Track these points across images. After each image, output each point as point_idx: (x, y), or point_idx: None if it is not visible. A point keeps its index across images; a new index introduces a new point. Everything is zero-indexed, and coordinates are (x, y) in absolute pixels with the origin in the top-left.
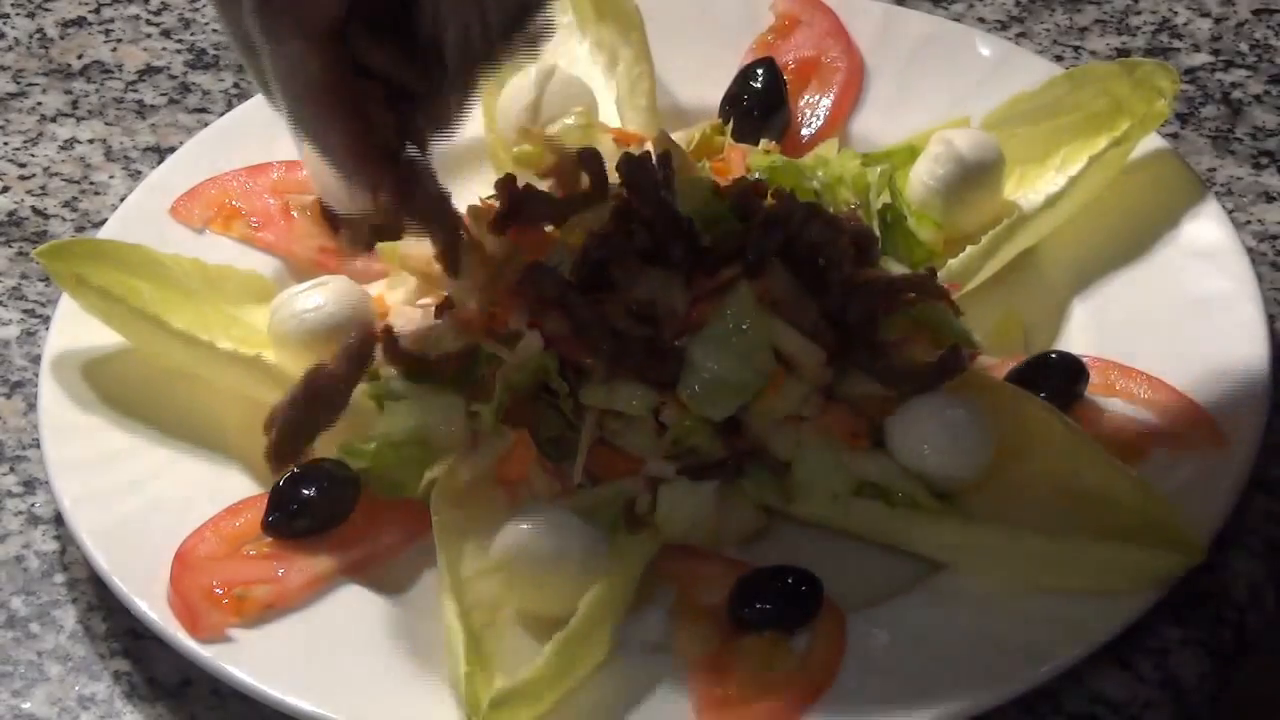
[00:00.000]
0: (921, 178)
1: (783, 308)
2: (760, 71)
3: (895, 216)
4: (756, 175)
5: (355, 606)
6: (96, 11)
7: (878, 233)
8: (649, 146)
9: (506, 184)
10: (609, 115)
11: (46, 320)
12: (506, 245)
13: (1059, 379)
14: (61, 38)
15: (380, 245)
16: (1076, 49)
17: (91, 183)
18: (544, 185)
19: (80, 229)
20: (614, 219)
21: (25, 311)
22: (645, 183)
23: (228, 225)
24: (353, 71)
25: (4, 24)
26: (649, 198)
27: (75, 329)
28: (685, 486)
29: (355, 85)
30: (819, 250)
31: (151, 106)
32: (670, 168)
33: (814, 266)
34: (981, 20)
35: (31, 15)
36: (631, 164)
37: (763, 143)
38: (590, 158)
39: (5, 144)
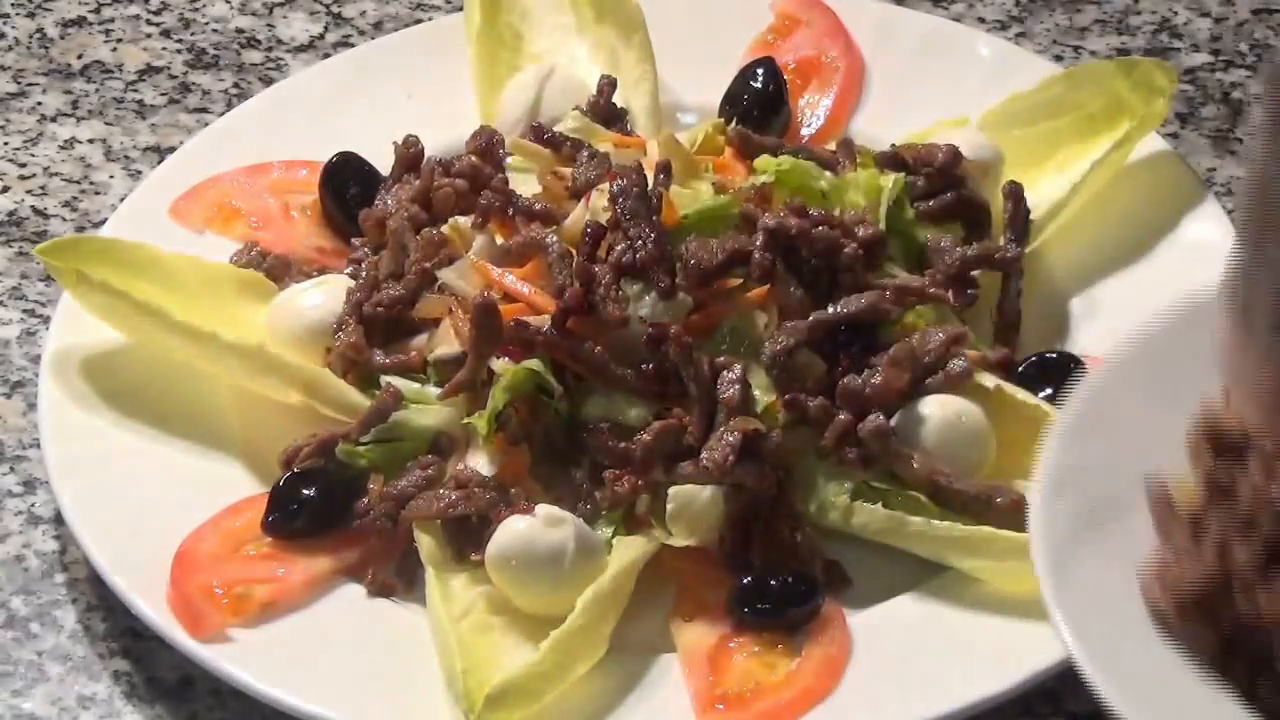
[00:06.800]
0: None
1: (788, 313)
2: (760, 71)
3: (900, 219)
4: (763, 178)
5: (355, 606)
6: (96, 11)
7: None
8: (651, 147)
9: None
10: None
11: (46, 320)
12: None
13: (1059, 379)
14: (61, 38)
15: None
16: (1076, 49)
17: (91, 183)
18: (538, 187)
19: (80, 229)
20: (590, 238)
21: (25, 311)
22: (639, 213)
23: (228, 225)
24: None
25: (4, 24)
26: (641, 225)
27: (75, 329)
28: (694, 490)
29: None
30: (824, 256)
31: (151, 106)
32: (669, 175)
33: (818, 272)
34: (981, 20)
35: (31, 15)
36: (626, 194)
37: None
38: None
39: (5, 144)
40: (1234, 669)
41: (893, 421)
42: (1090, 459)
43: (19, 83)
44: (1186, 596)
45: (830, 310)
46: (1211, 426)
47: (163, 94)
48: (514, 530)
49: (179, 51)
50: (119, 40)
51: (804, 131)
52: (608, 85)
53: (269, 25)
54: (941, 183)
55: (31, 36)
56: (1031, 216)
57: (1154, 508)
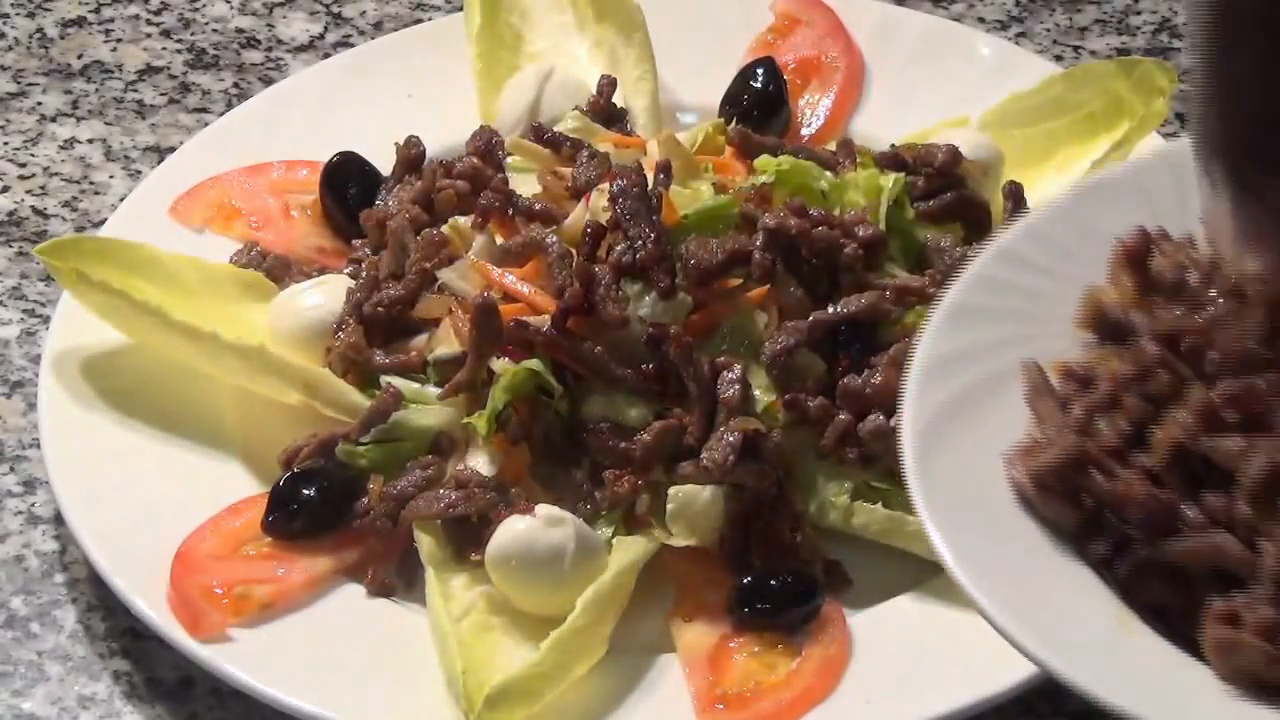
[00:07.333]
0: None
1: (788, 313)
2: (760, 71)
3: (900, 219)
4: (763, 178)
5: (355, 606)
6: (96, 11)
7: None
8: (651, 147)
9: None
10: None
11: (46, 320)
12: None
13: None
14: (61, 38)
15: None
16: (1076, 49)
17: (91, 183)
18: (538, 187)
19: (80, 229)
20: (590, 238)
21: (25, 311)
22: (639, 213)
23: (228, 225)
24: None
25: (4, 24)
26: (641, 225)
27: (75, 328)
28: (694, 490)
29: None
30: (824, 256)
31: (151, 106)
32: (669, 175)
33: (818, 272)
34: (981, 20)
35: (31, 15)
36: (626, 194)
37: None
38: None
39: (5, 144)
40: (1093, 546)
41: (893, 421)
42: (968, 344)
43: (19, 83)
44: (1046, 473)
45: (830, 310)
46: (1095, 308)
47: (163, 94)
48: (514, 530)
49: (179, 51)
50: (119, 40)
51: (804, 131)
52: (608, 85)
53: (269, 25)
54: (941, 183)
55: (31, 36)
56: None
57: (1027, 391)
